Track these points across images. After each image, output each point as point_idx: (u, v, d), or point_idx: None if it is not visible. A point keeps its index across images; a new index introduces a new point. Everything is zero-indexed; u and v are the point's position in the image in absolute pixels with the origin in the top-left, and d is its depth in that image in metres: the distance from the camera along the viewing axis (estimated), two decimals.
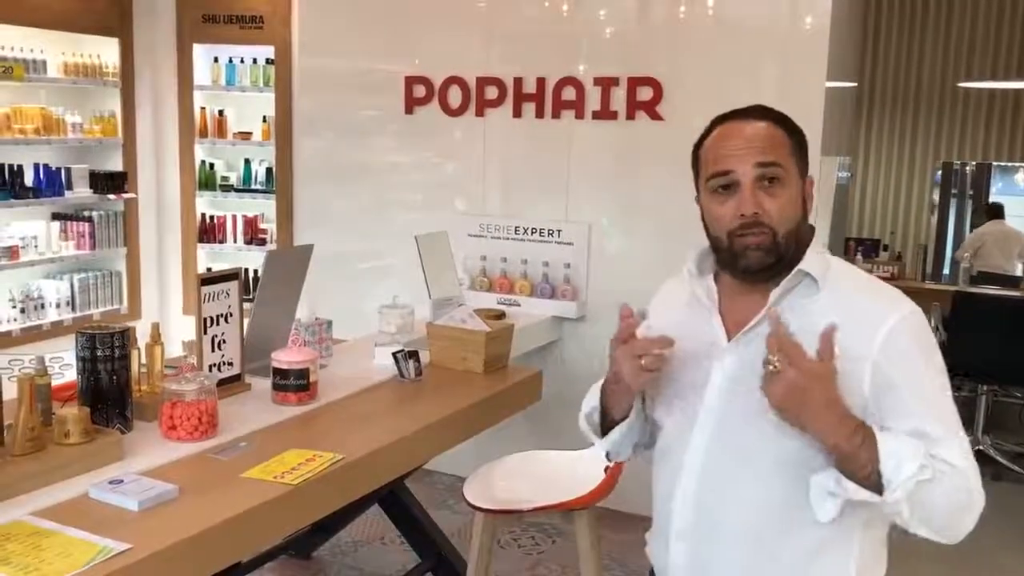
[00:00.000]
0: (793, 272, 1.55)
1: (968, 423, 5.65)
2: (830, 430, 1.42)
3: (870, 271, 6.60)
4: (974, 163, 8.20)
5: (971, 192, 8.26)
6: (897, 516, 1.45)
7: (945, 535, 1.48)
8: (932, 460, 1.43)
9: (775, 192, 1.54)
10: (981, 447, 5.40)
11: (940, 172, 8.23)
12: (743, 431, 1.55)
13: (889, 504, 1.42)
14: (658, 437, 1.72)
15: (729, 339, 1.60)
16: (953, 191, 8.32)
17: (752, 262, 1.55)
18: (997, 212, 7.39)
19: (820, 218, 4.15)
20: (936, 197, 8.26)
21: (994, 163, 8.14)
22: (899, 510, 1.43)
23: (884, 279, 7.10)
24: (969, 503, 1.46)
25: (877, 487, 1.42)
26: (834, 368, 1.41)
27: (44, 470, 1.99)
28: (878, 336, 1.49)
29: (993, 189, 8.16)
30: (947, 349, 5.46)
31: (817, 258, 1.58)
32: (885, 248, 7.51)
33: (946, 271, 7.98)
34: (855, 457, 1.42)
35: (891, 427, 1.46)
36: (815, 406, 1.40)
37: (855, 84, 5.88)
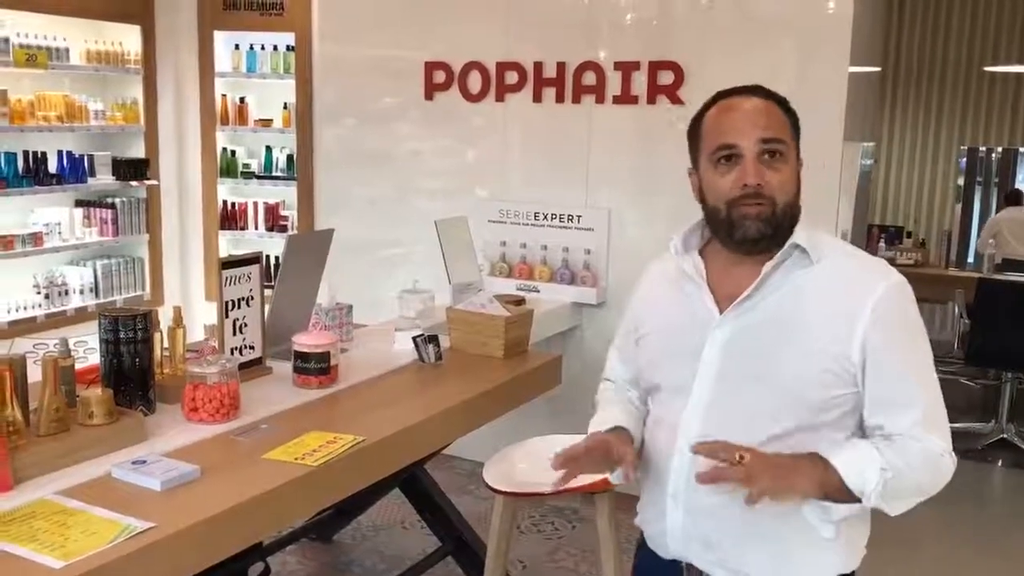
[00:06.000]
0: (787, 245, 1.62)
1: (992, 411, 5.60)
2: (800, 478, 1.55)
3: (893, 258, 6.60)
4: (1000, 149, 8.08)
5: (996, 179, 8.14)
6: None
7: (921, 499, 1.62)
8: (892, 443, 1.56)
9: (777, 166, 1.62)
10: (1005, 435, 5.35)
11: (965, 158, 8.13)
12: (738, 394, 1.63)
13: (872, 505, 1.58)
14: (652, 407, 1.80)
15: (721, 311, 1.65)
16: (978, 178, 8.20)
17: (751, 232, 1.62)
18: (1016, 199, 7.29)
19: (842, 204, 4.11)
20: (961, 183, 8.15)
21: (1020, 149, 8.02)
22: (880, 507, 1.58)
23: (908, 266, 6.99)
24: (936, 467, 1.58)
25: (854, 496, 1.56)
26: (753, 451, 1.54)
27: (69, 450, 2.01)
28: (868, 302, 1.58)
29: (1019, 176, 8.04)
30: (971, 336, 5.43)
31: (806, 233, 1.65)
32: (908, 235, 7.43)
33: (970, 259, 7.89)
34: (826, 485, 1.55)
35: (873, 393, 1.58)
36: (781, 469, 1.54)
37: (879, 69, 5.81)
